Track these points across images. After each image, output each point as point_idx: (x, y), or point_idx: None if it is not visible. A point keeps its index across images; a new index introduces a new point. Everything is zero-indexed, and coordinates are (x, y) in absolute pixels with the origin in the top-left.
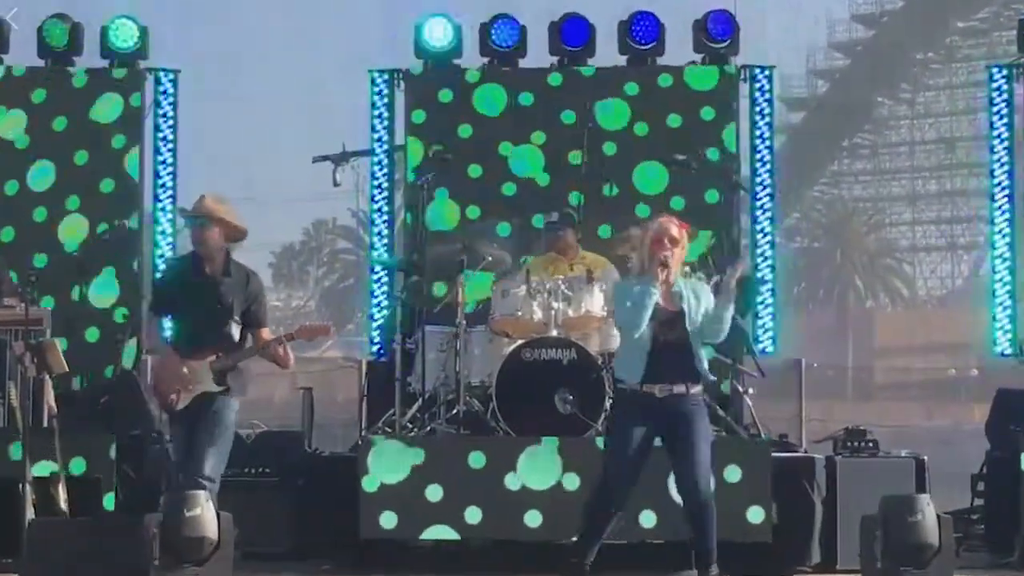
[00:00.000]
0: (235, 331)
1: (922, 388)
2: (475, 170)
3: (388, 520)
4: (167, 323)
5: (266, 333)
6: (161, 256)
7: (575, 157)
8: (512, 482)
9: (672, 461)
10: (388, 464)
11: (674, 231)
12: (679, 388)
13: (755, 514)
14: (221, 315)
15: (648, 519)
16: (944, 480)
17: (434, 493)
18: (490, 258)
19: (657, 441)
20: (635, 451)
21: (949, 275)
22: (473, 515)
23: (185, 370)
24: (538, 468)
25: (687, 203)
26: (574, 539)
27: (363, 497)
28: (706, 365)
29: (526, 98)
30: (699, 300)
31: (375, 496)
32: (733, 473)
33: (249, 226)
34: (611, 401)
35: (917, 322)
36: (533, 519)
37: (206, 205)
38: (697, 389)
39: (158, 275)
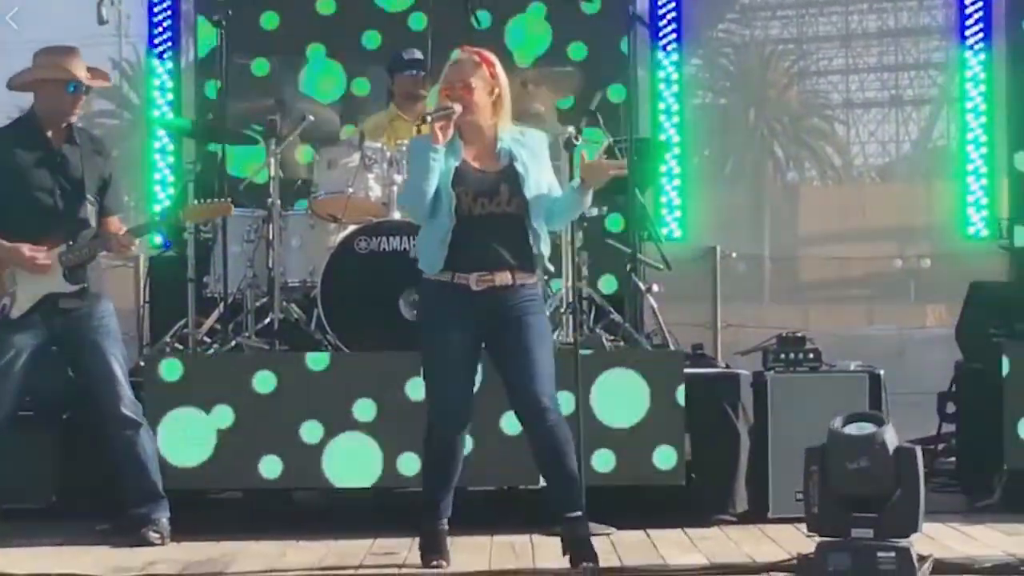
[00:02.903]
0: (91, 214)
1: (860, 285)
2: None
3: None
4: None
5: (115, 223)
6: None
7: None
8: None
9: (503, 378)
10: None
11: (469, 72)
12: (503, 277)
13: (663, 450)
14: (70, 195)
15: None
16: (896, 400)
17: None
18: (311, 117)
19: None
20: (459, 362)
21: (893, 139)
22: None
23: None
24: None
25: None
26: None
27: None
28: (547, 247)
29: None
30: (537, 158)
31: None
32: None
33: None
34: (416, 299)
35: (852, 200)
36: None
37: (79, 65)
38: (531, 280)
39: None
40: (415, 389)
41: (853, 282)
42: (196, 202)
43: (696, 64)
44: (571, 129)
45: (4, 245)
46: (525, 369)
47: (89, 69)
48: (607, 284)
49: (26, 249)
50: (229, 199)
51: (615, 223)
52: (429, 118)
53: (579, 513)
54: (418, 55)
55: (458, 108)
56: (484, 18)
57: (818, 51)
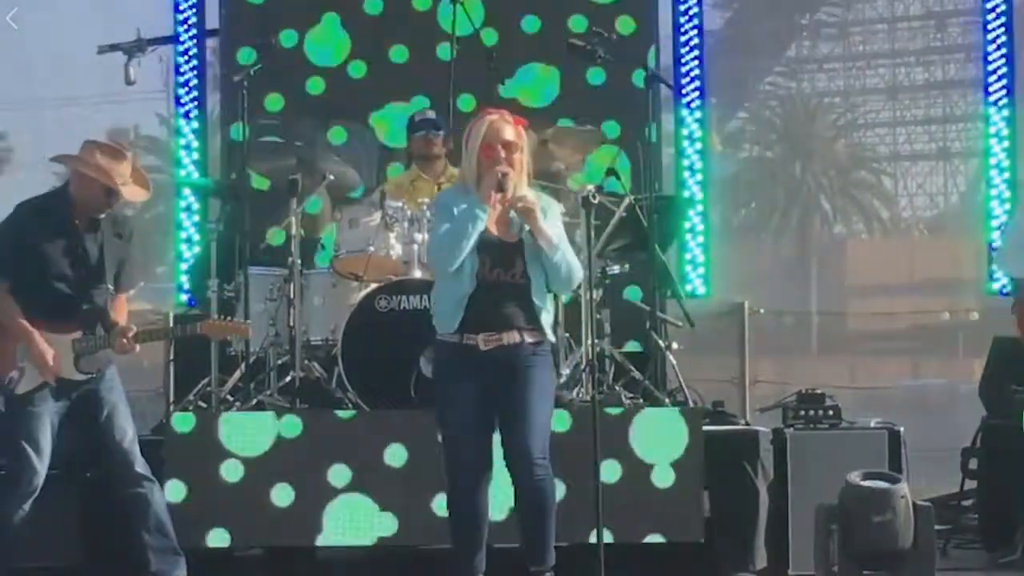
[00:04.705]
0: (108, 302)
1: (908, 338)
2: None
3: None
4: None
5: (121, 304)
6: None
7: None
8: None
9: (500, 428)
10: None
11: (509, 132)
12: (511, 337)
13: (682, 505)
14: (89, 284)
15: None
16: (934, 457)
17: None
18: (332, 176)
19: None
20: (474, 420)
21: (941, 191)
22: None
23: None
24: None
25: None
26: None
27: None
28: (549, 318)
29: None
30: (548, 226)
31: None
32: (652, 453)
33: (27, 137)
34: (431, 360)
35: (900, 253)
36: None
37: (124, 171)
38: (537, 339)
39: (7, 226)
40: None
41: (900, 335)
42: (217, 318)
43: (742, 117)
44: (590, 187)
45: (25, 327)
46: (521, 420)
47: (134, 171)
48: (630, 344)
49: (40, 342)
50: (248, 322)
51: (634, 294)
52: (502, 188)
53: (545, 571)
54: (430, 115)
55: (510, 171)
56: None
57: (865, 104)
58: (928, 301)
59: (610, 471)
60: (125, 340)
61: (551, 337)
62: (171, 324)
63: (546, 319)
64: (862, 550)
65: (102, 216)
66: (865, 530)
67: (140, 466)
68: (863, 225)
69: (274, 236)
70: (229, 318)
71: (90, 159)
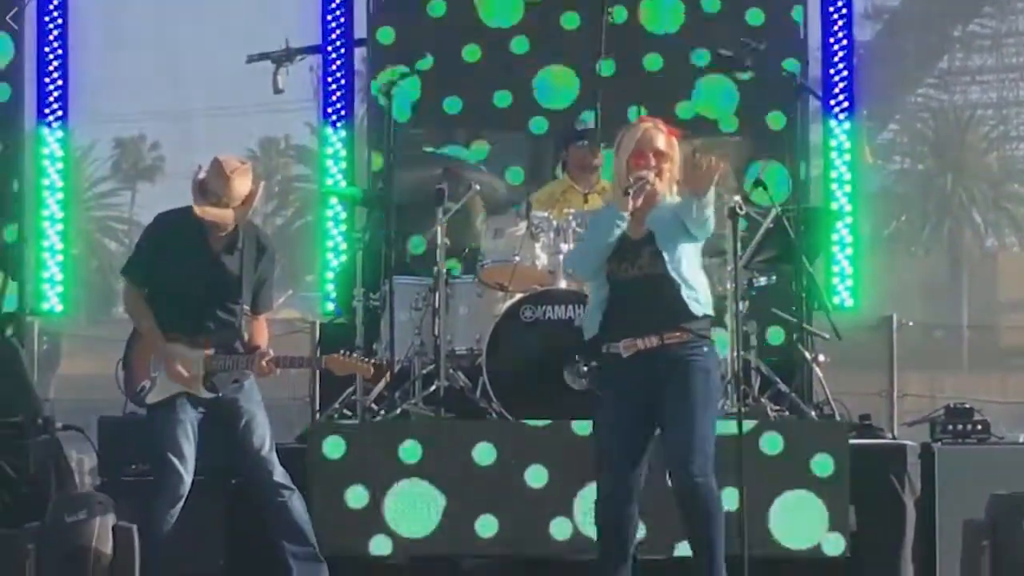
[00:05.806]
0: (246, 321)
1: None
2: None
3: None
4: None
5: (262, 324)
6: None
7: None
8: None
9: (661, 437)
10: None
11: (661, 141)
12: (648, 341)
13: (827, 519)
14: (224, 302)
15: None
16: None
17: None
18: (478, 187)
19: None
20: (622, 433)
21: None
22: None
23: (178, 363)
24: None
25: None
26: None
27: (319, 502)
28: (701, 300)
29: None
30: (675, 214)
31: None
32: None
33: (178, 146)
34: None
35: None
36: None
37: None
38: (680, 338)
39: (147, 236)
40: None
41: None
42: (343, 354)
43: (894, 129)
44: (736, 197)
45: (160, 342)
46: (673, 430)
47: (249, 195)
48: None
49: (177, 362)
50: (373, 362)
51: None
52: (631, 191)
53: None
54: (591, 125)
55: (652, 177)
56: (619, 13)
57: (1018, 116)
58: None
59: None
60: (265, 364)
61: (704, 329)
62: (314, 354)
63: (689, 302)
64: (1017, 562)
65: (232, 228)
66: (1019, 541)
67: (279, 475)
68: (1015, 238)
69: (416, 245)
70: (355, 355)
71: (207, 179)
